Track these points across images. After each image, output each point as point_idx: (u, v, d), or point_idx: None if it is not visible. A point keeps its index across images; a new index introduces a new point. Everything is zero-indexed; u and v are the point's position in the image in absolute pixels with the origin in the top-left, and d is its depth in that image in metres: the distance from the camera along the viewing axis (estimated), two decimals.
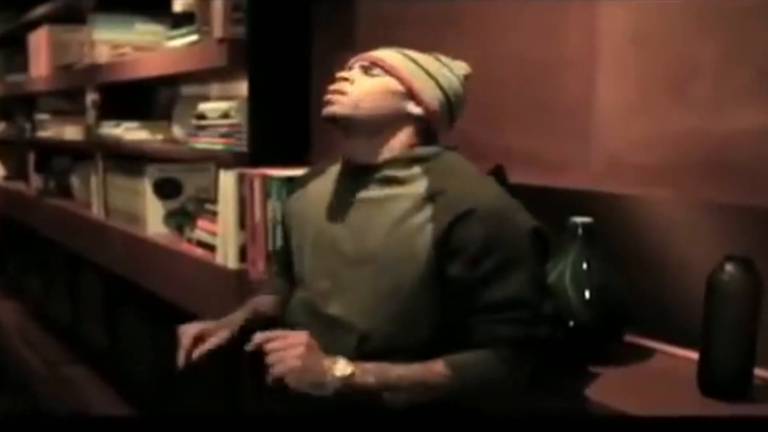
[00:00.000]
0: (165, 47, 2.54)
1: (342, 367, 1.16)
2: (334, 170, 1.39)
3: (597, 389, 1.24)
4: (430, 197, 1.22)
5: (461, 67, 1.36)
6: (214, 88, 2.87)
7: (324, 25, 2.12)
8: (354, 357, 1.21)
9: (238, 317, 1.47)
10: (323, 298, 1.30)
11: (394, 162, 1.28)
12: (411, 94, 1.29)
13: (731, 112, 1.20)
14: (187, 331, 1.42)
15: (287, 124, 2.15)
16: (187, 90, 3.04)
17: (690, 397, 1.21)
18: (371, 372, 1.18)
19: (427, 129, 1.32)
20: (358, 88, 1.28)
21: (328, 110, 1.29)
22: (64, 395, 3.38)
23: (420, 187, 1.24)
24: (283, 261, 1.53)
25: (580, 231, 1.37)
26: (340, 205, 1.32)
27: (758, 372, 1.22)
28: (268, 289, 1.57)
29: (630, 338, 1.43)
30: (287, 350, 1.16)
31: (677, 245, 1.40)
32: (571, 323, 1.33)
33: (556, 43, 1.46)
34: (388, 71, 1.29)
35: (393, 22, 1.85)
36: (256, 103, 2.10)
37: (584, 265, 1.35)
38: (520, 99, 1.53)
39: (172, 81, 2.90)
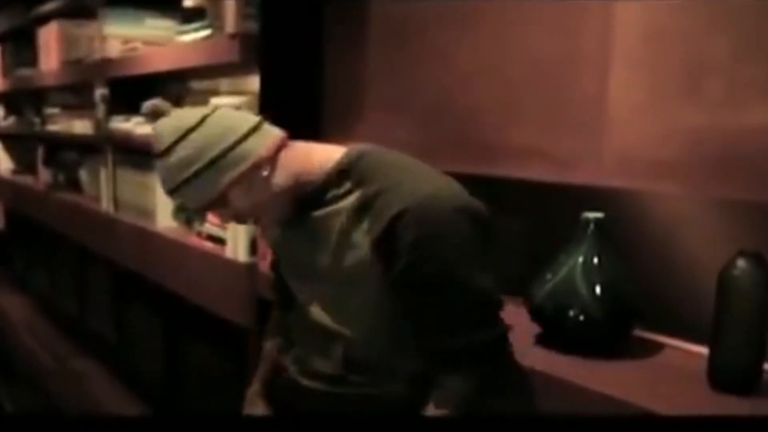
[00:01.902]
0: (176, 42, 2.55)
1: None
2: None
3: (607, 383, 1.25)
4: (363, 207, 1.20)
5: (157, 139, 1.24)
6: (224, 83, 2.88)
7: (336, 22, 2.13)
8: (344, 362, 1.27)
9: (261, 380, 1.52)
10: (314, 311, 1.32)
11: (322, 186, 1.25)
12: (247, 177, 1.22)
13: (743, 108, 1.21)
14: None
15: (298, 120, 2.15)
16: (196, 85, 3.05)
17: (700, 391, 1.22)
18: None
19: (272, 156, 1.25)
20: (237, 212, 1.26)
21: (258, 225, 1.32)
22: (73, 389, 3.40)
23: (352, 198, 1.22)
24: (278, 285, 1.53)
25: (591, 226, 1.38)
26: (298, 231, 1.30)
27: (767, 367, 1.24)
28: (273, 332, 1.56)
29: (640, 333, 1.44)
30: None
31: (688, 241, 1.41)
32: (582, 317, 1.34)
33: (570, 40, 1.47)
34: (218, 201, 1.23)
35: (406, 20, 1.85)
36: (267, 99, 2.11)
37: (595, 260, 1.36)
38: (534, 96, 1.54)
39: (181, 76, 2.91)
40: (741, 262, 1.18)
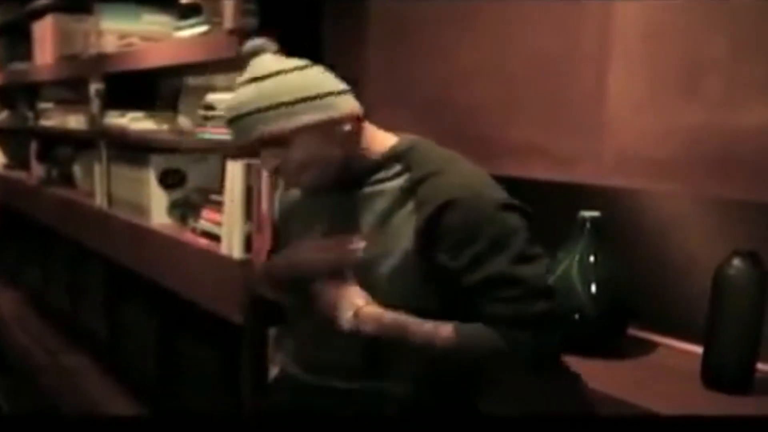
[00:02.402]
0: (174, 38, 2.55)
1: (364, 309, 1.25)
2: None
3: (602, 381, 1.26)
4: (410, 190, 1.25)
5: (262, 66, 1.27)
6: (220, 79, 2.87)
7: (336, 19, 2.13)
8: (361, 353, 1.27)
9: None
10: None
11: (374, 165, 1.31)
12: (324, 128, 1.26)
13: (742, 107, 1.22)
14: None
15: None
16: (192, 81, 3.05)
17: (694, 390, 1.23)
18: (387, 324, 1.24)
19: (358, 117, 1.31)
20: (294, 165, 1.27)
21: (303, 189, 1.34)
22: (65, 384, 3.38)
23: (400, 181, 1.27)
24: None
25: (588, 225, 1.39)
26: (329, 205, 1.35)
27: (761, 366, 1.24)
28: None
29: (635, 332, 1.45)
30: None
31: (684, 240, 1.42)
32: (577, 316, 1.35)
33: (569, 39, 1.48)
34: (286, 137, 1.25)
35: (406, 17, 1.86)
36: None
37: (591, 259, 1.37)
38: (533, 94, 1.54)
39: (177, 71, 2.90)
40: (736, 261, 1.19)
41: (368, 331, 1.24)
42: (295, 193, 1.44)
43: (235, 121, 1.25)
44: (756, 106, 1.19)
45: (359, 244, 1.27)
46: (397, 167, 1.29)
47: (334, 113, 1.26)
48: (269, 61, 1.27)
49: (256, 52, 1.29)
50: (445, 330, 1.21)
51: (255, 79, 1.25)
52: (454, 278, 1.23)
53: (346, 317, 1.25)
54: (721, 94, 1.24)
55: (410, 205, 1.25)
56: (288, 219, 1.44)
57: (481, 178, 1.27)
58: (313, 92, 1.24)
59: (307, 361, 1.35)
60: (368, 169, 1.31)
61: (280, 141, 1.24)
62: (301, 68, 1.27)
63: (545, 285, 1.23)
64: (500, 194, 1.25)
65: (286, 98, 1.23)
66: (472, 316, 1.22)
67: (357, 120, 1.30)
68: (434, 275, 1.24)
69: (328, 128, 1.26)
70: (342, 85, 1.30)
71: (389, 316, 1.24)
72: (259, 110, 1.23)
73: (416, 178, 1.26)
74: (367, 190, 1.30)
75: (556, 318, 1.22)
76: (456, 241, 1.21)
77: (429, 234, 1.22)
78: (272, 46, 1.30)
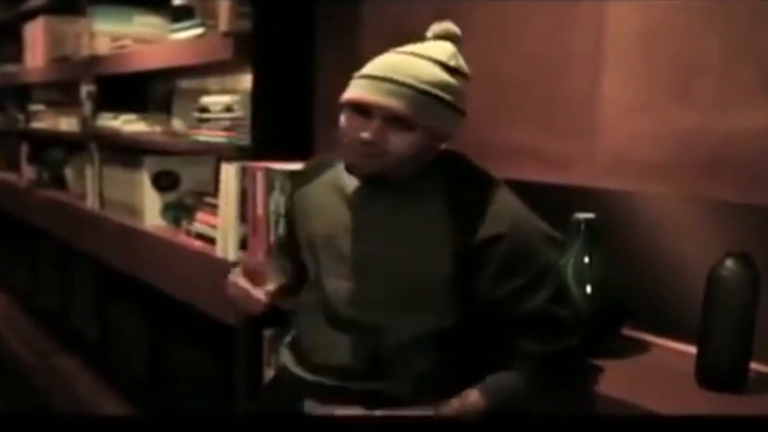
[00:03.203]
0: (168, 40, 2.55)
1: None
2: (343, 167, 1.33)
3: (597, 381, 1.27)
4: (452, 211, 1.24)
5: (446, 53, 1.24)
6: (213, 82, 2.88)
7: (328, 21, 2.14)
8: (369, 355, 1.27)
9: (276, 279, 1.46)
10: (339, 300, 1.31)
11: (418, 174, 1.27)
12: (440, 136, 1.25)
13: (734, 110, 1.23)
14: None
15: (290, 118, 2.17)
16: (185, 83, 3.05)
17: (688, 389, 1.24)
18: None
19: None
20: (393, 148, 1.21)
21: (362, 170, 1.25)
22: (56, 386, 3.37)
23: (439, 195, 1.25)
24: (288, 249, 1.52)
25: (582, 227, 1.40)
26: (356, 208, 1.31)
27: (754, 365, 1.26)
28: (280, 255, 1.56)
29: (629, 332, 1.46)
30: None
31: (677, 241, 1.44)
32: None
33: (563, 41, 1.49)
34: (415, 125, 1.20)
35: (398, 19, 1.87)
36: (259, 97, 2.11)
37: (586, 260, 1.38)
38: (526, 97, 1.56)
39: (170, 74, 2.90)
40: (729, 263, 1.20)
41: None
42: (313, 189, 1.41)
43: (382, 80, 1.20)
44: (747, 109, 1.21)
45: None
46: (435, 178, 1.27)
47: (453, 133, 1.26)
48: (451, 52, 1.24)
49: (443, 36, 1.27)
50: (470, 396, 1.23)
51: (431, 59, 1.21)
52: (486, 307, 1.25)
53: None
54: (714, 97, 1.25)
55: (449, 225, 1.23)
56: (310, 214, 1.41)
57: (525, 209, 1.27)
58: (460, 106, 1.23)
59: (308, 360, 1.35)
60: (414, 175, 1.27)
61: (402, 123, 1.20)
62: (466, 78, 1.25)
63: (575, 322, 1.27)
64: (543, 226, 1.27)
65: (443, 96, 1.20)
66: (487, 338, 1.27)
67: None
68: (463, 299, 1.25)
69: (437, 138, 1.25)
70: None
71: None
72: (416, 89, 1.18)
73: (457, 197, 1.24)
74: (400, 199, 1.27)
75: (579, 350, 1.28)
76: (499, 272, 1.22)
77: (471, 260, 1.22)
78: (458, 33, 1.28)
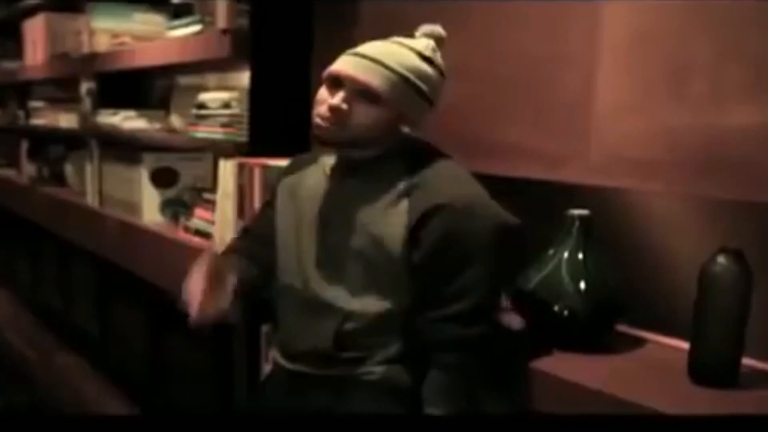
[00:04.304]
0: (167, 37, 2.55)
1: None
2: (327, 160, 1.42)
3: (590, 377, 1.28)
4: (407, 191, 1.29)
5: (425, 46, 1.33)
6: (211, 79, 2.88)
7: (326, 18, 2.15)
8: (334, 336, 1.31)
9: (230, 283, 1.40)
10: (315, 284, 1.35)
11: (385, 159, 1.33)
12: (402, 118, 1.32)
13: (728, 108, 1.24)
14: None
15: (287, 115, 2.17)
16: (184, 80, 3.05)
17: (681, 385, 1.25)
18: None
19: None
20: (355, 119, 1.28)
21: (324, 134, 1.31)
22: (57, 383, 3.38)
23: (399, 179, 1.30)
24: (257, 242, 1.53)
25: (577, 223, 1.41)
26: (333, 197, 1.37)
27: (746, 361, 1.27)
28: (242, 252, 1.54)
29: (623, 328, 1.47)
30: None
31: (671, 238, 1.44)
32: (566, 312, 1.37)
33: (558, 40, 1.50)
34: (380, 100, 1.28)
35: (395, 18, 1.87)
36: (257, 94, 2.12)
37: (580, 256, 1.39)
38: (521, 95, 1.56)
39: (169, 71, 2.91)
40: (722, 259, 1.21)
41: None
42: (297, 179, 1.45)
43: (359, 56, 1.29)
44: (740, 108, 1.21)
45: None
46: (401, 166, 1.32)
47: (417, 119, 1.33)
48: (430, 48, 1.32)
49: (429, 35, 1.34)
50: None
51: (409, 48, 1.30)
52: (423, 281, 1.28)
53: None
54: (707, 95, 1.26)
55: (404, 205, 1.28)
56: (287, 204, 1.44)
57: (479, 194, 1.29)
58: (429, 96, 1.31)
59: (287, 349, 1.38)
60: (381, 156, 1.33)
61: (370, 97, 1.27)
62: (441, 72, 1.33)
63: (490, 311, 1.31)
64: (497, 211, 1.28)
65: (413, 80, 1.28)
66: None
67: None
68: (409, 277, 1.28)
69: (399, 119, 1.31)
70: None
71: None
72: (386, 67, 1.27)
73: (416, 180, 1.29)
74: (371, 185, 1.32)
75: (483, 347, 1.29)
76: (436, 245, 1.25)
77: (415, 234, 1.26)
78: (443, 36, 1.35)
